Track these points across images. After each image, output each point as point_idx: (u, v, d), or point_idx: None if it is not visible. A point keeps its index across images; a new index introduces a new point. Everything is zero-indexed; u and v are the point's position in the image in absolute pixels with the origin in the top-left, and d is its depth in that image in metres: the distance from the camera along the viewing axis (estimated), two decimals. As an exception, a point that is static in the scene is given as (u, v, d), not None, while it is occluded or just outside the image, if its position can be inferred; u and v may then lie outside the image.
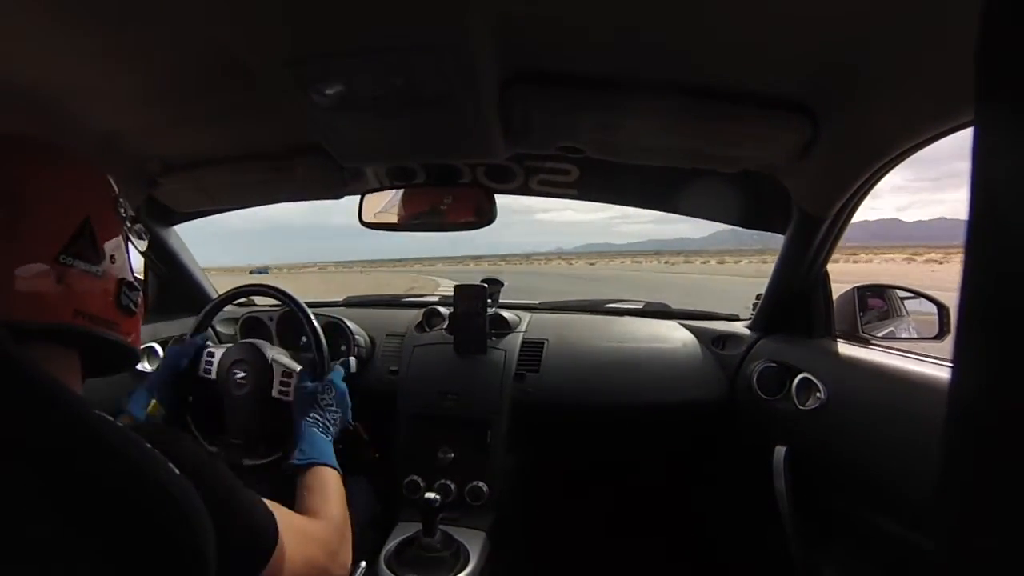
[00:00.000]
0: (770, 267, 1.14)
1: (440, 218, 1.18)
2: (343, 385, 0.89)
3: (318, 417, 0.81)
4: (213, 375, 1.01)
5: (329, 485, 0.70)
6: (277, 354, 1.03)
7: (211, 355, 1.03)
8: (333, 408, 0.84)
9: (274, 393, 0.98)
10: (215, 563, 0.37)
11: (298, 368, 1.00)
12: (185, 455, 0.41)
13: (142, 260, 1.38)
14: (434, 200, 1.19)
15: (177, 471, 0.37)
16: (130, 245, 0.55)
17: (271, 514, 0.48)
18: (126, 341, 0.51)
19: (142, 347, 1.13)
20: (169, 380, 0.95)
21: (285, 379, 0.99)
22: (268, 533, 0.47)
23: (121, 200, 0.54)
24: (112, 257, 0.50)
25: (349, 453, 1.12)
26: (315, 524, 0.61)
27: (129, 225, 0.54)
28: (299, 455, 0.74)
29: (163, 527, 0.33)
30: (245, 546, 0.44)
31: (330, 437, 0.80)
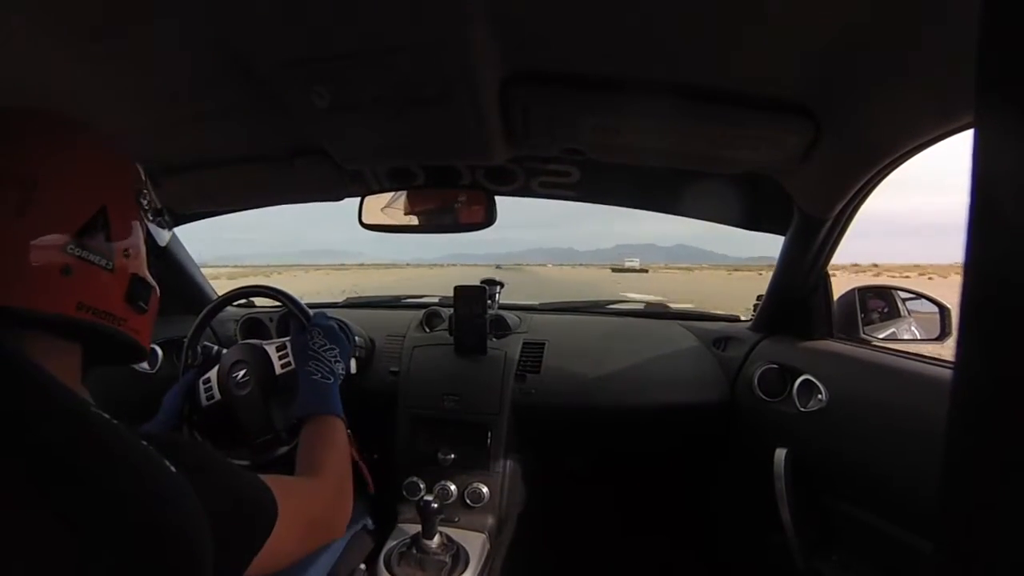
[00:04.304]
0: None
1: (440, 220, 1.18)
2: (329, 321, 0.86)
3: (316, 364, 0.78)
4: (217, 394, 0.97)
5: (326, 436, 0.68)
6: (269, 344, 1.02)
7: (207, 381, 0.98)
8: (328, 347, 0.81)
9: (278, 372, 0.96)
10: (211, 560, 0.36)
11: (288, 338, 0.98)
12: (182, 451, 0.40)
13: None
14: (434, 202, 1.19)
15: (173, 468, 0.36)
16: (150, 239, 0.51)
17: (271, 494, 0.47)
18: (133, 338, 0.48)
19: None
20: (174, 427, 0.91)
21: (282, 354, 0.97)
22: (268, 514, 0.46)
23: (146, 191, 0.50)
24: (127, 251, 0.47)
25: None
26: (313, 483, 0.60)
27: (152, 217, 0.51)
28: (297, 409, 0.73)
29: (154, 529, 0.33)
30: (245, 533, 0.44)
31: (334, 379, 0.78)
